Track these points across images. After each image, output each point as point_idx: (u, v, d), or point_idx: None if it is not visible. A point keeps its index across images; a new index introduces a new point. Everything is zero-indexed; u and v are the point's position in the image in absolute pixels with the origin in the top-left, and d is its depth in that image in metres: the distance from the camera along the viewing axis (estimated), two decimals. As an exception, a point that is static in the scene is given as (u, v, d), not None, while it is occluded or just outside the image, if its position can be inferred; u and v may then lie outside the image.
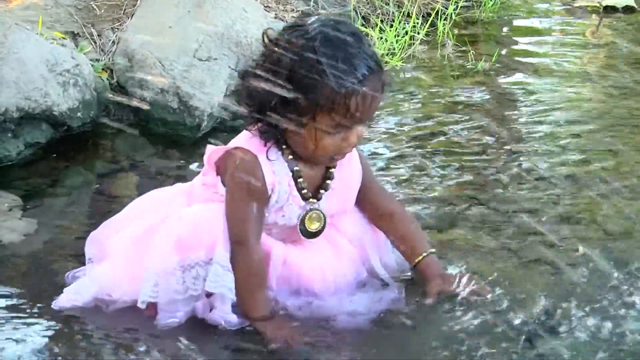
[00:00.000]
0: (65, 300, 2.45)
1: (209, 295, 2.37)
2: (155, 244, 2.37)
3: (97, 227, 2.59)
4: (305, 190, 2.40)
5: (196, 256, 2.32)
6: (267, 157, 2.33)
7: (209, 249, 2.32)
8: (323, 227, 2.48)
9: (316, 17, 2.30)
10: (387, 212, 2.60)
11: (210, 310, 2.38)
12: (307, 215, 2.43)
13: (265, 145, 2.34)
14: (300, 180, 2.39)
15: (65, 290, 2.48)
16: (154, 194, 2.65)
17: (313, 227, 2.46)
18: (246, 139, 2.38)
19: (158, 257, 2.35)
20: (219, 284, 2.31)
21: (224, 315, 2.35)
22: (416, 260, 2.54)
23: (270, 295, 2.42)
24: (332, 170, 2.45)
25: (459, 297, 2.47)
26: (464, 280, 2.52)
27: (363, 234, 2.60)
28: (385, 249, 2.63)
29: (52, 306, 2.44)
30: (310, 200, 2.42)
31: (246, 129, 2.39)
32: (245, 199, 2.33)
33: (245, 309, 2.36)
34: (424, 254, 2.54)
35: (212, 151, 2.43)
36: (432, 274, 2.53)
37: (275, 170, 2.35)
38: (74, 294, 2.46)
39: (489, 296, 2.49)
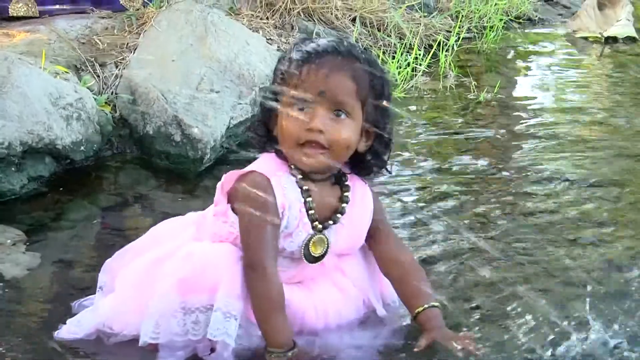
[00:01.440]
0: (66, 331, 2.44)
1: None
2: (158, 282, 2.34)
3: (106, 259, 2.59)
4: (312, 211, 2.38)
5: (198, 300, 2.29)
6: (279, 179, 2.34)
7: (211, 292, 2.28)
8: (325, 252, 2.44)
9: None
10: (394, 259, 2.53)
11: (211, 351, 2.33)
12: (312, 240, 2.40)
13: (280, 165, 2.36)
14: (309, 199, 2.37)
15: (68, 321, 2.46)
16: (166, 224, 2.64)
17: (317, 251, 2.42)
18: (260, 162, 2.40)
19: (160, 296, 2.31)
20: (221, 331, 2.27)
21: (223, 359, 2.31)
22: (416, 312, 2.45)
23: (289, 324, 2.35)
24: (344, 205, 2.43)
25: (450, 350, 2.38)
26: (460, 339, 2.40)
27: (367, 279, 2.55)
28: (388, 292, 2.59)
29: (54, 337, 2.42)
30: (317, 227, 2.40)
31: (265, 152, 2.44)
32: (259, 221, 2.30)
33: (265, 337, 2.30)
34: (425, 306, 2.45)
35: (226, 177, 2.42)
36: (431, 326, 2.42)
37: (287, 194, 2.34)
38: (75, 326, 2.44)
39: (479, 352, 2.35)
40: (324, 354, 2.37)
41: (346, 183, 2.46)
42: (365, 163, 2.44)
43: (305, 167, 2.35)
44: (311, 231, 2.39)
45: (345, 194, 2.45)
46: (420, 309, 2.44)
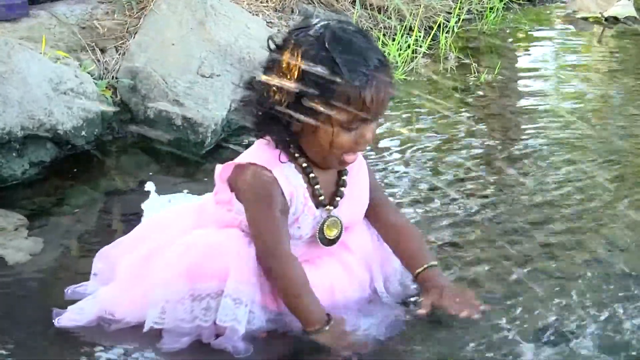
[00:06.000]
0: (68, 318, 2.44)
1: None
2: (163, 269, 2.35)
3: (107, 244, 2.60)
4: (322, 197, 2.40)
5: (207, 286, 2.30)
6: (281, 168, 2.33)
7: (221, 279, 2.29)
8: (340, 234, 2.46)
9: (320, 17, 2.33)
10: (391, 224, 2.58)
11: (217, 336, 2.34)
12: (326, 223, 2.42)
13: (279, 154, 2.34)
14: (317, 187, 2.39)
15: (69, 308, 2.47)
16: (162, 214, 2.65)
17: (332, 234, 2.44)
18: (258, 152, 2.38)
19: (167, 283, 2.32)
20: (230, 317, 2.28)
21: (233, 342, 2.31)
22: (417, 272, 2.50)
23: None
24: (345, 177, 2.45)
25: (450, 313, 2.40)
26: (463, 296, 2.45)
27: (371, 255, 2.56)
28: (391, 270, 2.60)
29: (55, 324, 2.43)
30: (327, 207, 2.41)
31: (259, 139, 2.40)
32: (269, 211, 2.31)
33: (299, 320, 2.33)
34: (425, 266, 2.49)
35: (223, 168, 2.42)
36: (432, 286, 2.46)
37: (292, 182, 2.34)
38: (77, 313, 2.45)
39: (476, 316, 2.40)
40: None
41: None
42: None
43: (334, 167, 2.41)
44: (316, 213, 2.40)
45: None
46: (421, 269, 2.49)
